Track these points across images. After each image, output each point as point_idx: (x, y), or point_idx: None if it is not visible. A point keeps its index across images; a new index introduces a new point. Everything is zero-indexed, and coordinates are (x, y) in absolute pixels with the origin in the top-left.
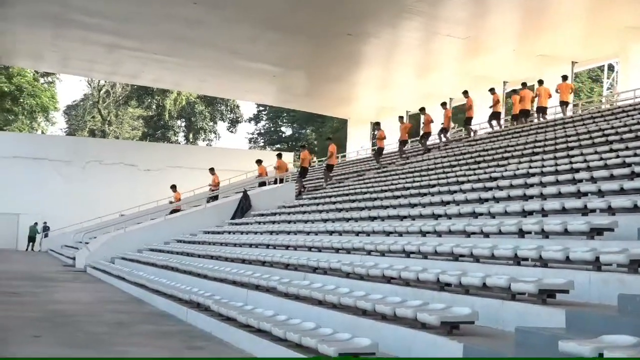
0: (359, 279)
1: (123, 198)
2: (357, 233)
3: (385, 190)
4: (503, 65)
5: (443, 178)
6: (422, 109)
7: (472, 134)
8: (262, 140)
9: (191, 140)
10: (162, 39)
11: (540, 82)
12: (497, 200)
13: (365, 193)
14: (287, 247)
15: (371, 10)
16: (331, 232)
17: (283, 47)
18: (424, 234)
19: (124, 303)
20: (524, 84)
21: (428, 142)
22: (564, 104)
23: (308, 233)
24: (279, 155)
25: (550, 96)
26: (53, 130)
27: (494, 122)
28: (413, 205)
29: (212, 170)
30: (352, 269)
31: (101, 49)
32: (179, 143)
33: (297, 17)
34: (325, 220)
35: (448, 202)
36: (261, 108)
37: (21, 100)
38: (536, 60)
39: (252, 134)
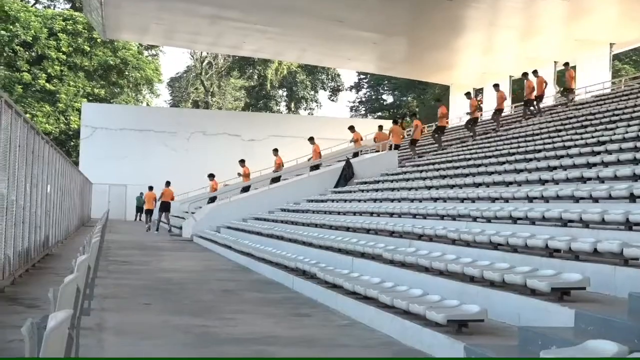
0: (465, 245)
1: (227, 168)
2: (462, 200)
3: (490, 157)
4: (608, 27)
5: (549, 143)
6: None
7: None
8: (364, 109)
9: (293, 109)
10: (263, 9)
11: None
12: (605, 164)
13: (469, 159)
14: (391, 214)
15: None
16: (435, 199)
17: (383, 14)
18: (530, 199)
19: (230, 271)
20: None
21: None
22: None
23: (412, 200)
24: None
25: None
26: (157, 102)
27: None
28: (519, 171)
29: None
30: (459, 235)
31: (204, 21)
32: (281, 113)
33: None
34: (429, 187)
35: (555, 167)
36: (362, 76)
37: (126, 73)
38: None
39: (353, 102)
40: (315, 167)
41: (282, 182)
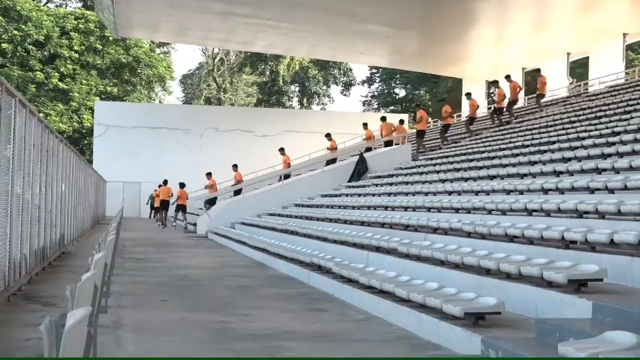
0: (480, 238)
1: (240, 164)
2: (477, 192)
3: (504, 149)
4: (620, 17)
5: (563, 134)
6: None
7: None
8: (376, 103)
9: (305, 104)
10: (275, 4)
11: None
12: (620, 155)
13: (483, 152)
14: (405, 208)
15: None
16: (450, 192)
17: (395, 8)
18: (545, 191)
19: (246, 267)
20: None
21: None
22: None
23: (426, 194)
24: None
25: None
26: (170, 99)
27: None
28: (533, 163)
29: (328, 135)
30: (474, 228)
31: (215, 17)
32: (293, 108)
33: None
34: (443, 181)
35: (569, 159)
36: (374, 70)
37: (139, 71)
38: None
39: (366, 96)
40: (332, 161)
41: (296, 177)
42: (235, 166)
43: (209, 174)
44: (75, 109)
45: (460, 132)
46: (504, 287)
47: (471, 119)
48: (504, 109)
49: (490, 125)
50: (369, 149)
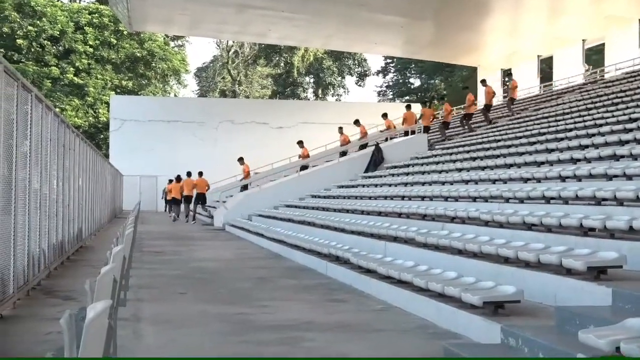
0: (498, 227)
1: (256, 156)
2: (494, 181)
3: (520, 137)
4: (636, 3)
5: (580, 121)
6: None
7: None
8: (391, 93)
9: (320, 96)
10: None
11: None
12: (638, 141)
13: (499, 140)
14: (422, 197)
15: None
16: (467, 181)
17: None
18: (563, 179)
19: (263, 259)
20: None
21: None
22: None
23: (443, 183)
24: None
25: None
26: (185, 92)
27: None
28: (550, 151)
29: (240, 160)
30: (491, 217)
31: (229, 10)
32: (308, 99)
33: None
34: (459, 170)
35: (587, 146)
36: (388, 60)
37: (153, 64)
38: None
39: (381, 86)
40: (345, 153)
41: (312, 168)
42: (241, 159)
43: (241, 159)
44: (90, 103)
45: (478, 121)
46: (522, 276)
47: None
48: (472, 116)
49: (507, 113)
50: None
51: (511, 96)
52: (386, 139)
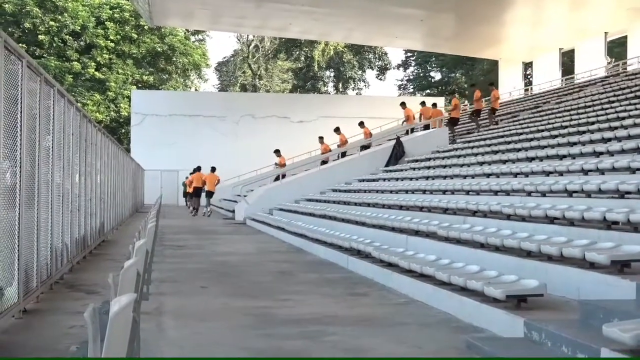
0: (520, 220)
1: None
2: (516, 174)
3: (542, 130)
4: None
5: (602, 115)
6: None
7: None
8: (412, 86)
9: (341, 90)
10: None
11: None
12: None
13: (521, 134)
14: (444, 191)
15: None
16: (488, 175)
17: None
18: (585, 172)
19: (285, 253)
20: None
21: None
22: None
23: (465, 177)
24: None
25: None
26: (206, 87)
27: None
28: (572, 144)
29: (213, 169)
30: (514, 210)
31: (249, 4)
32: (329, 93)
33: None
34: (481, 163)
35: (609, 139)
36: (409, 54)
37: (174, 59)
38: None
39: (401, 80)
40: (366, 147)
41: (332, 162)
42: (277, 151)
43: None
44: (112, 98)
45: (499, 114)
46: (545, 269)
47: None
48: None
49: (526, 107)
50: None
51: (492, 106)
52: (407, 132)
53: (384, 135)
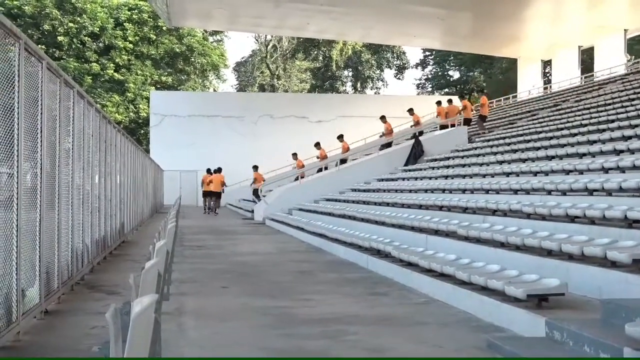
0: (540, 219)
1: (296, 150)
2: (535, 173)
3: (561, 129)
4: None
5: (622, 113)
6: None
7: None
8: (430, 85)
9: (359, 89)
10: None
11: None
12: None
13: (540, 132)
14: (463, 190)
15: None
16: (508, 174)
17: None
18: (606, 170)
19: (304, 252)
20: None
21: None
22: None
23: (484, 176)
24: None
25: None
26: (224, 87)
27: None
28: (592, 142)
29: (209, 170)
30: (534, 209)
31: (268, 4)
32: (347, 93)
33: None
34: (500, 162)
35: (630, 137)
36: (427, 53)
37: (192, 60)
38: None
39: (420, 79)
40: (387, 146)
41: (352, 162)
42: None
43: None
44: (131, 99)
45: (518, 113)
46: (566, 268)
47: (483, 117)
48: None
49: (545, 106)
50: (421, 133)
51: (481, 113)
52: (421, 133)
53: (403, 135)
